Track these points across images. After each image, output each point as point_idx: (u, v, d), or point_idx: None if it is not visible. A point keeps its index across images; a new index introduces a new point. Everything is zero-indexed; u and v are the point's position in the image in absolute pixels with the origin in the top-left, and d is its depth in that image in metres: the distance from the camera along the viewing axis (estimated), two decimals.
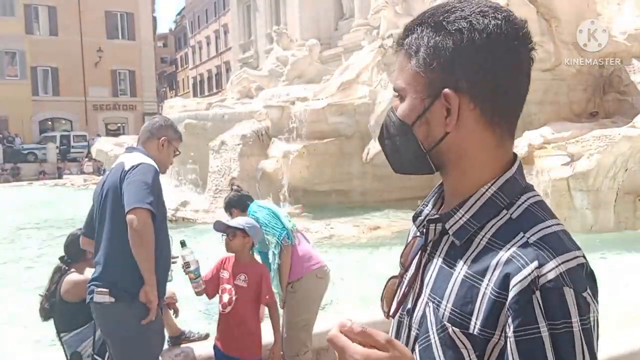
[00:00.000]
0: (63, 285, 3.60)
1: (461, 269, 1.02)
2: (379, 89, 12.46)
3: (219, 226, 3.64)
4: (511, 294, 0.94)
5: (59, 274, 3.67)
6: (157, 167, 3.18)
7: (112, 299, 3.03)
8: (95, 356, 3.54)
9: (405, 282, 1.13)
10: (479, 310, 0.97)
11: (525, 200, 1.04)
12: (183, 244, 3.52)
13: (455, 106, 1.03)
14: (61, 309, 3.60)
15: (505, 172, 1.07)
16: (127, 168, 3.07)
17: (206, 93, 49.52)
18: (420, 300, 1.08)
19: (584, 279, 0.96)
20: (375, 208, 12.16)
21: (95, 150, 21.81)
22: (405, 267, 1.15)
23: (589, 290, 0.96)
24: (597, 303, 0.98)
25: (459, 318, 0.99)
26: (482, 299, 0.97)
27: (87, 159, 31.98)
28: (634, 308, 4.68)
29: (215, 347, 3.67)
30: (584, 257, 0.99)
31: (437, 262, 1.07)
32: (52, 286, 3.65)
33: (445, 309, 1.02)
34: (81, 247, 3.53)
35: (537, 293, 0.92)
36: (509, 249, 0.97)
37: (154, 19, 50.71)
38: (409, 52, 1.07)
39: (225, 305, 3.57)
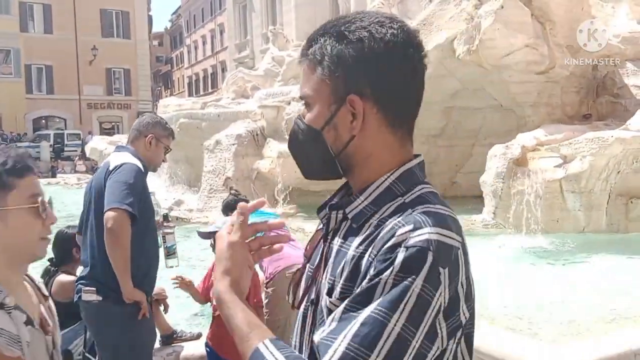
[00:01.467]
0: (53, 286, 3.62)
1: (354, 248, 1.07)
2: None
3: (202, 235, 3.67)
4: (382, 250, 1.01)
5: (47, 277, 3.69)
6: (141, 167, 3.17)
7: (100, 298, 3.03)
8: (86, 354, 3.55)
9: (309, 273, 1.19)
10: (362, 277, 1.02)
11: (421, 189, 1.11)
12: (166, 217, 3.55)
13: (360, 110, 1.10)
14: None
15: (405, 165, 1.14)
16: (111, 168, 3.08)
17: (201, 92, 49.43)
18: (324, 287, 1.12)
19: (449, 259, 1.00)
20: None
21: (89, 148, 21.75)
22: (307, 258, 1.21)
23: (447, 270, 0.99)
24: (448, 295, 0.99)
25: (347, 291, 1.04)
26: (366, 267, 1.03)
27: (78, 158, 31.84)
28: (624, 310, 4.71)
29: (207, 345, 3.67)
30: (461, 245, 1.03)
31: (335, 248, 1.13)
32: None
33: (337, 286, 1.07)
34: (78, 244, 3.55)
35: (401, 249, 0.99)
36: (394, 221, 1.04)
37: (150, 17, 50.57)
38: (313, 61, 1.14)
39: (215, 308, 3.58)
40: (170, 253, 3.53)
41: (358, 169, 1.14)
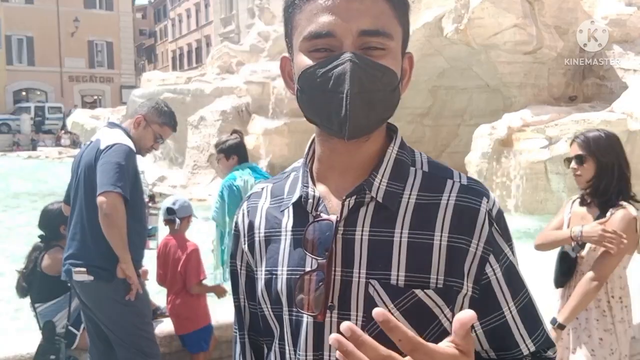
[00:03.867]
0: (45, 259, 3.59)
1: (401, 233, 0.96)
2: None
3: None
4: (480, 233, 0.97)
5: (37, 252, 3.64)
6: (133, 147, 3.10)
7: (91, 277, 3.01)
8: (69, 327, 3.53)
9: (319, 274, 0.96)
10: (438, 264, 0.95)
11: (420, 155, 1.06)
12: (152, 198, 3.49)
13: (407, 68, 1.02)
14: (40, 281, 3.60)
15: (396, 133, 1.05)
16: (102, 147, 3.01)
17: (186, 67, 48.85)
18: (353, 285, 0.96)
19: None
20: None
21: (71, 122, 21.43)
22: (317, 256, 0.96)
23: None
24: None
25: (417, 280, 0.95)
26: (439, 252, 0.95)
27: (63, 131, 31.42)
28: None
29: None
30: None
31: (363, 237, 0.97)
32: (30, 264, 3.62)
33: (397, 278, 0.95)
34: (64, 214, 3.49)
35: (495, 224, 0.98)
36: (449, 196, 0.98)
37: None
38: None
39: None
40: (151, 235, 3.50)
41: (373, 137, 1.00)
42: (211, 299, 3.93)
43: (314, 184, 1.04)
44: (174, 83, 17.74)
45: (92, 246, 3.00)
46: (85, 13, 41.82)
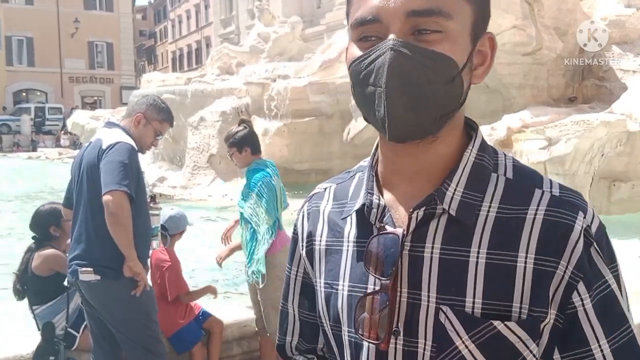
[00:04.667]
0: (34, 260, 3.59)
1: (478, 253, 0.82)
2: None
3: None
4: (570, 254, 0.81)
5: (29, 253, 3.65)
6: (134, 145, 3.11)
7: (98, 277, 3.02)
8: (69, 329, 3.53)
9: (383, 296, 0.85)
10: (522, 291, 0.81)
11: (505, 158, 0.90)
12: (153, 198, 3.51)
13: (488, 53, 0.88)
14: (33, 283, 3.61)
15: (476, 132, 0.90)
16: (104, 147, 3.01)
17: (185, 68, 48.85)
18: (422, 309, 0.84)
19: None
20: None
21: (71, 122, 21.45)
22: (381, 276, 0.85)
23: None
24: None
25: (496, 310, 0.81)
26: (523, 277, 0.81)
27: (62, 132, 31.43)
28: None
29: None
30: None
31: (433, 255, 0.84)
32: (22, 266, 3.63)
33: (473, 306, 0.81)
34: (55, 215, 3.59)
35: (595, 243, 0.82)
36: (537, 210, 0.83)
37: None
38: None
39: None
40: (153, 235, 3.52)
41: (442, 137, 0.85)
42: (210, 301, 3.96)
43: (379, 190, 0.91)
44: (174, 84, 17.75)
45: (97, 246, 3.01)
46: (85, 14, 41.83)
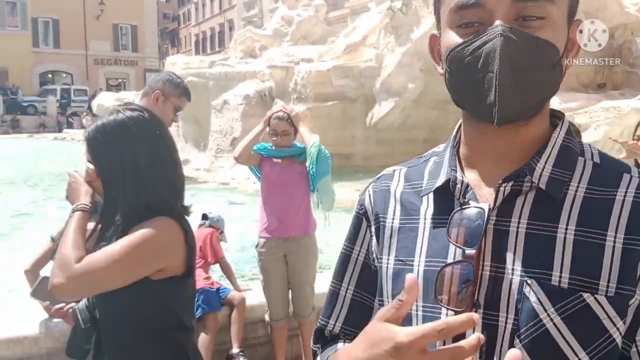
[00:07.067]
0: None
1: (567, 229, 0.83)
2: (385, 52, 12.27)
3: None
4: None
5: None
6: None
7: None
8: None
9: (466, 266, 0.83)
10: (611, 268, 0.80)
11: (590, 147, 0.92)
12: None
13: (576, 38, 0.90)
14: None
15: (561, 119, 0.93)
16: None
17: (208, 51, 48.90)
18: (505, 283, 0.84)
19: None
20: (377, 173, 12.07)
21: (96, 104, 21.67)
22: (468, 248, 0.84)
23: None
24: None
25: (584, 285, 0.81)
26: (612, 255, 0.81)
27: (85, 113, 31.80)
28: None
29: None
30: None
31: (519, 230, 0.84)
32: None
33: (560, 280, 0.81)
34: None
35: None
36: (627, 192, 0.84)
37: None
38: None
39: None
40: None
41: (533, 121, 0.88)
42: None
43: (462, 169, 0.92)
44: (197, 67, 17.78)
45: None
46: None
